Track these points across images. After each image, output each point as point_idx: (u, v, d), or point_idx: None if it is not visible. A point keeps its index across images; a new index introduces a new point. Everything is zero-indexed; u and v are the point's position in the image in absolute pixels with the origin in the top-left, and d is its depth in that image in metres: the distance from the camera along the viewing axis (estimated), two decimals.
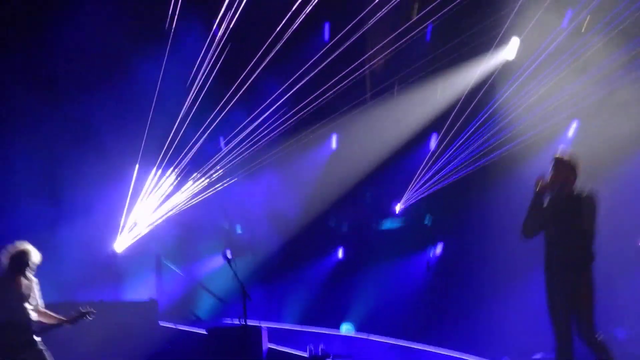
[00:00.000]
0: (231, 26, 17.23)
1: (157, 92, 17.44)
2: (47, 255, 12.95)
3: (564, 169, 10.32)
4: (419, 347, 16.79)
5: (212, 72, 17.42)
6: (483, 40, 17.53)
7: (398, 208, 19.00)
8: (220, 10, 17.23)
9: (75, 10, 17.89)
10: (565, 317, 10.22)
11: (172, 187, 18.17)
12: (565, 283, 10.10)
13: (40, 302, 12.39)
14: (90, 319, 12.59)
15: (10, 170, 18.02)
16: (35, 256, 12.34)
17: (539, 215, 10.27)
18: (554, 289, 10.18)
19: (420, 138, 18.93)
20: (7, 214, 17.75)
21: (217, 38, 17.43)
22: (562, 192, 10.29)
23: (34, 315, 12.28)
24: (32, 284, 12.34)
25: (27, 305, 12.20)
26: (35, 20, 18.22)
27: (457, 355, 16.63)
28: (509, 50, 17.66)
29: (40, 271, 14.02)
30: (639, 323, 13.93)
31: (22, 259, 12.33)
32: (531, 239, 10.49)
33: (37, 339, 12.24)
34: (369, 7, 17.22)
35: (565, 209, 10.21)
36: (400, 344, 16.78)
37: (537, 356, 16.51)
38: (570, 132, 18.02)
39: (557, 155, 10.49)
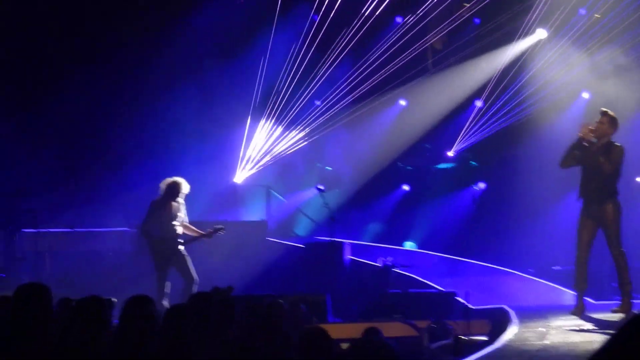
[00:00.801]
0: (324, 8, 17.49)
1: (267, 57, 17.82)
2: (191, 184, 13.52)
3: (607, 122, 10.61)
4: (463, 259, 16.83)
5: (310, 46, 17.66)
6: (519, 24, 17.58)
7: (451, 153, 19.07)
8: None
9: None
10: (590, 236, 10.62)
11: (277, 135, 18.54)
12: (598, 208, 10.48)
13: (186, 219, 13.07)
14: (222, 234, 13.20)
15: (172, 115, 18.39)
16: (185, 187, 13.02)
17: (578, 153, 10.61)
18: (587, 213, 10.60)
19: (468, 100, 19.00)
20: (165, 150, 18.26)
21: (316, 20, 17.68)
22: (600, 141, 10.60)
23: (180, 230, 12.97)
24: (180, 206, 13.01)
25: (175, 223, 12.90)
26: None
27: (493, 266, 16.58)
28: (541, 32, 17.71)
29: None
30: None
31: (174, 188, 13.04)
32: (566, 169, 10.87)
33: (181, 248, 12.90)
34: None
35: (602, 155, 10.50)
36: (449, 256, 16.83)
37: (557, 267, 16.64)
38: (585, 95, 18.08)
39: (604, 110, 10.77)
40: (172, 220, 13.13)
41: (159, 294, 12.55)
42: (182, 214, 13.30)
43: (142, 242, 13.81)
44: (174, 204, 13.20)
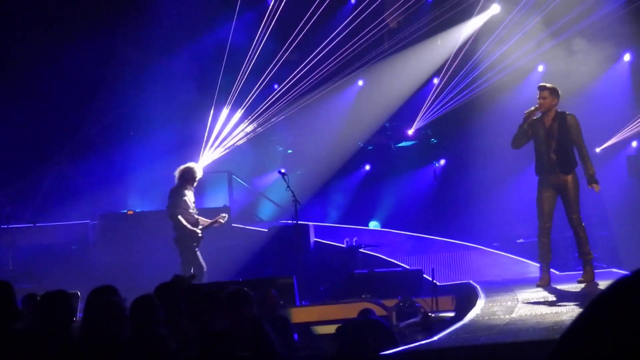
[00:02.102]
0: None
1: (228, 48, 17.66)
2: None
3: (548, 94, 10.63)
4: (428, 237, 16.87)
5: (266, 33, 17.52)
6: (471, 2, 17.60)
7: (410, 131, 19.09)
8: None
9: None
10: (551, 208, 10.65)
11: (238, 120, 18.36)
12: (558, 179, 10.51)
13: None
14: (223, 222, 13.20)
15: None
16: (199, 172, 12.96)
17: (528, 131, 10.64)
18: (546, 184, 10.62)
19: (426, 79, 19.05)
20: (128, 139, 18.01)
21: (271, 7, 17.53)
22: (549, 113, 10.63)
23: (196, 216, 12.95)
24: (192, 194, 12.95)
25: (192, 210, 12.87)
26: None
27: (458, 242, 16.61)
28: (493, 9, 17.75)
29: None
30: None
31: (189, 173, 12.96)
32: (518, 149, 10.92)
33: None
34: None
35: (555, 127, 10.53)
36: (414, 234, 16.87)
37: (520, 240, 16.72)
38: (540, 68, 18.19)
39: (542, 84, 10.81)
40: (193, 207, 13.18)
41: (200, 274, 12.73)
42: (193, 201, 13.40)
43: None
44: (191, 189, 13.15)
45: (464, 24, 17.85)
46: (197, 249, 13.20)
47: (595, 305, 1.30)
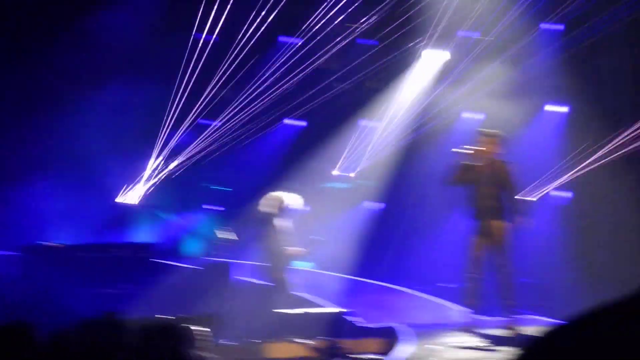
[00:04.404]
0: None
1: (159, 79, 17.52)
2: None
3: (489, 142, 10.69)
4: (356, 278, 16.91)
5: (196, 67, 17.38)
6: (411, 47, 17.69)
7: (344, 173, 19.10)
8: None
9: None
10: (481, 254, 10.67)
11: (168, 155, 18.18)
12: (491, 227, 10.53)
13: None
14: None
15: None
16: (290, 201, 13.03)
17: (464, 174, 10.66)
18: (479, 230, 10.62)
19: (354, 122, 19.15)
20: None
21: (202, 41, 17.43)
22: (486, 159, 10.67)
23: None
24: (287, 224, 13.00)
25: (283, 238, 13.02)
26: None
27: (385, 284, 16.64)
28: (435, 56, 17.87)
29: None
30: None
31: (279, 203, 12.77)
32: (452, 188, 10.93)
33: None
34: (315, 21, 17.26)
35: (490, 173, 10.55)
36: (342, 275, 16.84)
37: (448, 284, 16.73)
38: (474, 117, 18.35)
39: (485, 131, 10.87)
40: (282, 236, 13.25)
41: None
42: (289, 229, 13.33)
43: None
44: (281, 219, 13.22)
45: (407, 68, 17.95)
46: (282, 276, 13.32)
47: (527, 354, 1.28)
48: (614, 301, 1.26)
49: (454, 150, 10.82)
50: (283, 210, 13.25)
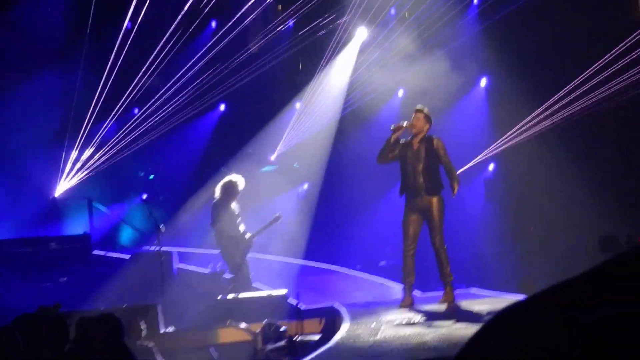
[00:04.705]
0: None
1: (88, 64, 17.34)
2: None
3: (422, 117, 10.81)
4: (293, 261, 16.94)
5: (127, 54, 17.26)
6: (335, 26, 17.80)
7: (273, 157, 19.16)
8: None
9: None
10: (416, 231, 10.79)
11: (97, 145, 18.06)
12: (423, 202, 10.67)
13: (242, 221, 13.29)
14: (278, 222, 13.32)
15: None
16: (241, 183, 12.65)
17: (395, 150, 10.78)
18: (412, 207, 10.76)
19: (289, 103, 19.17)
20: None
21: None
22: (418, 136, 10.79)
23: (243, 229, 13.05)
24: (237, 207, 12.86)
25: (239, 222, 12.58)
26: None
27: (322, 265, 16.73)
28: (362, 31, 17.97)
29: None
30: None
31: (231, 187, 12.76)
32: (383, 165, 11.05)
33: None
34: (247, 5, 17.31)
35: (422, 150, 10.69)
36: (279, 259, 16.81)
37: (383, 263, 16.92)
38: (400, 93, 18.57)
39: (419, 107, 10.97)
40: (237, 220, 13.13)
41: (245, 285, 13.01)
42: (239, 213, 13.27)
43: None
44: (233, 203, 13.02)
45: (329, 47, 17.97)
46: (242, 261, 13.17)
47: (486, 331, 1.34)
48: (577, 277, 1.33)
49: (391, 126, 10.91)
50: (238, 194, 13.34)
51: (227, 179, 13.45)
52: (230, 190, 13.33)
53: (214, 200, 13.54)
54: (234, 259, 13.35)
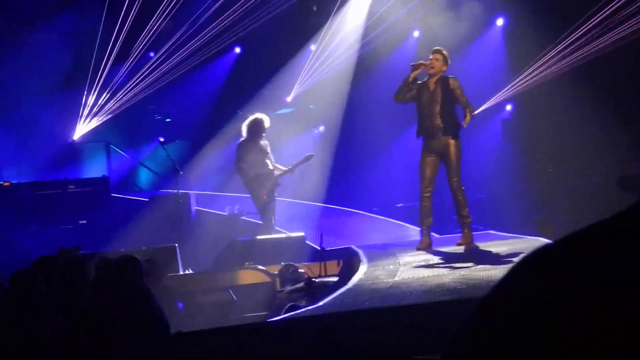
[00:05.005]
0: None
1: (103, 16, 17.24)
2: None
3: (441, 59, 10.70)
4: (310, 203, 16.99)
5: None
6: None
7: (289, 98, 19.12)
8: None
9: None
10: (433, 172, 10.74)
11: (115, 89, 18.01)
12: (440, 143, 10.60)
13: (272, 158, 13.24)
14: (309, 162, 13.57)
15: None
16: (267, 122, 12.62)
17: (412, 89, 10.69)
18: (428, 149, 10.70)
19: (303, 45, 19.06)
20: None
21: None
22: (434, 77, 10.69)
23: (271, 166, 12.84)
24: (266, 143, 12.57)
25: (267, 160, 12.59)
26: None
27: (339, 207, 16.78)
28: None
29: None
30: None
31: (258, 125, 12.77)
32: (401, 104, 10.96)
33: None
34: None
35: (438, 90, 10.59)
36: (296, 201, 16.81)
37: (400, 205, 16.91)
38: (415, 34, 18.43)
39: (437, 48, 10.85)
40: (264, 158, 13.15)
41: (268, 228, 13.14)
42: (269, 153, 13.30)
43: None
44: (261, 141, 13.07)
45: None
46: (268, 200, 13.30)
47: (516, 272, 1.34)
48: (607, 219, 1.31)
49: (411, 63, 10.81)
50: (264, 132, 13.34)
51: (252, 117, 13.45)
52: (255, 128, 13.33)
53: (240, 139, 13.53)
54: (261, 199, 13.34)
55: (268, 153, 13.45)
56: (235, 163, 13.59)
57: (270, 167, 13.39)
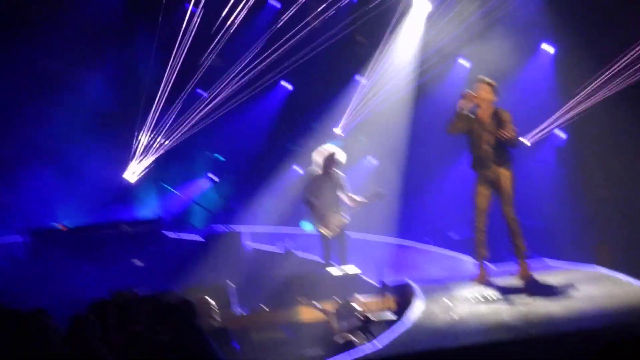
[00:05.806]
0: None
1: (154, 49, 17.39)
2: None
3: (487, 88, 10.60)
4: (363, 237, 16.63)
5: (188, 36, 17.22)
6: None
7: (338, 131, 19.07)
8: None
9: None
10: (486, 202, 10.62)
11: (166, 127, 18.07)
12: (493, 174, 10.47)
13: (348, 188, 13.34)
14: (382, 199, 13.53)
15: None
16: (341, 156, 12.99)
17: (463, 121, 10.58)
18: (482, 180, 10.57)
19: (350, 78, 19.00)
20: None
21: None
22: (485, 108, 10.59)
23: (343, 200, 13.21)
24: (339, 178, 12.99)
25: (339, 193, 12.96)
26: None
27: (391, 240, 16.77)
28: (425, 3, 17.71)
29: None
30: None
31: (329, 159, 12.75)
32: (453, 136, 10.82)
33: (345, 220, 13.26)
34: None
35: (490, 122, 10.46)
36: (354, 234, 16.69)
37: (453, 234, 16.72)
38: (461, 62, 18.28)
39: (482, 77, 10.76)
40: (332, 191, 13.13)
41: (327, 260, 13.26)
42: (343, 183, 13.26)
43: None
44: (331, 173, 13.12)
45: (391, 20, 17.74)
46: (335, 237, 13.32)
47: None
48: None
49: (462, 93, 10.70)
50: (335, 166, 13.28)
51: (326, 150, 13.40)
52: (328, 162, 13.27)
53: (309, 173, 13.47)
54: (326, 234, 13.26)
55: (340, 185, 13.35)
56: (303, 194, 13.50)
57: (344, 200, 13.30)
